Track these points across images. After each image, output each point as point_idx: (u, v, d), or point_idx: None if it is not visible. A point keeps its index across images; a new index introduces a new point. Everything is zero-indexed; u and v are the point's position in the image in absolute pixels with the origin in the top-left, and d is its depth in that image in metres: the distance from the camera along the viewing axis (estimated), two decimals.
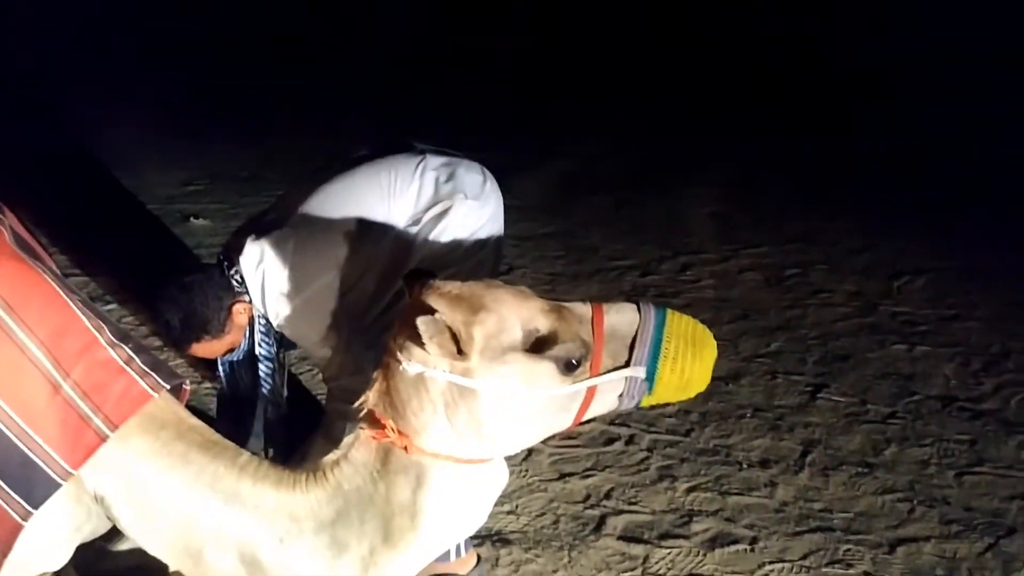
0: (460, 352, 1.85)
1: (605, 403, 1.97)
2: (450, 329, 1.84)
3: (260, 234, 2.81)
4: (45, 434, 2.00)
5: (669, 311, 1.97)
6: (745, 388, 4.17)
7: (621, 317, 1.94)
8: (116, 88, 8.54)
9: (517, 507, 3.25)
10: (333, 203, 2.83)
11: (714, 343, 2.01)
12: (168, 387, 2.16)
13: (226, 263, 2.84)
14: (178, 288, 2.79)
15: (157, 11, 11.24)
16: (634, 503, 3.33)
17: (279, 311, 2.81)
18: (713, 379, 2.03)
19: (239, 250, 2.81)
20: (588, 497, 3.34)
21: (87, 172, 6.34)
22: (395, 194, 2.86)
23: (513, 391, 1.87)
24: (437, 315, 1.84)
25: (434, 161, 2.94)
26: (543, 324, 1.89)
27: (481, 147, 3.18)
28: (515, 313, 1.89)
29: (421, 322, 1.81)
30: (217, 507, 2.07)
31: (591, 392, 1.92)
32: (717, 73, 10.27)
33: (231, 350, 2.95)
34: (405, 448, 1.96)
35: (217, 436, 2.20)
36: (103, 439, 2.03)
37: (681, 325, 1.97)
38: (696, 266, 5.60)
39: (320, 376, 3.83)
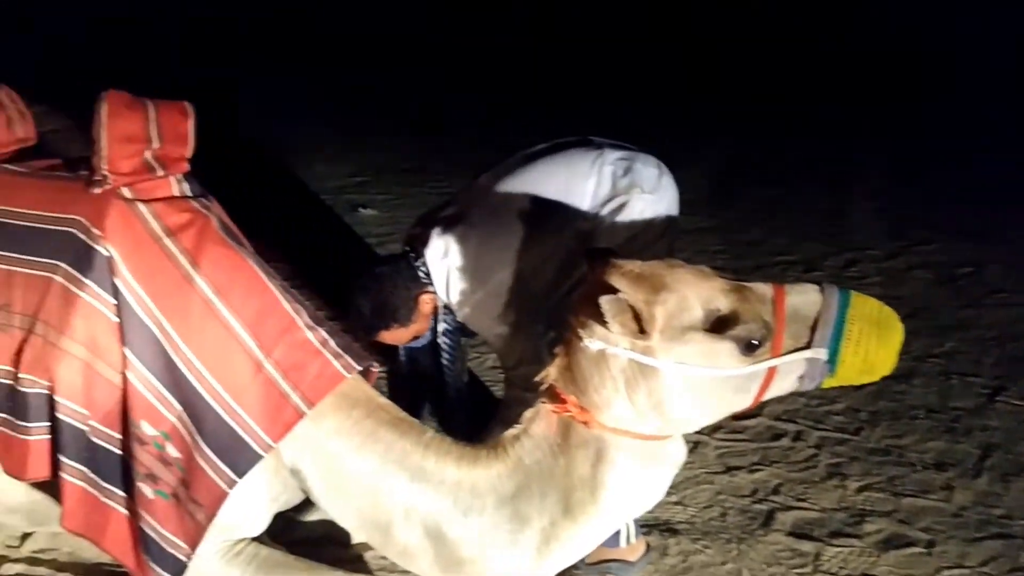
0: (641, 331, 1.88)
1: (785, 384, 1.97)
2: (632, 308, 1.87)
3: (444, 228, 2.91)
4: (249, 409, 2.14)
5: (853, 293, 1.95)
6: (917, 388, 4.04)
7: (803, 298, 1.93)
8: (286, 85, 8.91)
9: (684, 498, 3.24)
10: (513, 197, 2.90)
11: (901, 327, 1.96)
12: (359, 368, 2.27)
13: (412, 255, 2.94)
14: (370, 278, 2.91)
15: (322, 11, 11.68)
16: (803, 499, 3.27)
17: (462, 302, 2.89)
18: (883, 378, 1.99)
19: (425, 242, 2.91)
20: (755, 491, 3.31)
21: (264, 163, 6.64)
22: (573, 188, 2.90)
23: (693, 370, 1.89)
24: (620, 294, 1.87)
25: (611, 155, 2.97)
26: (724, 304, 1.90)
27: (639, 142, 3.18)
28: (696, 292, 1.90)
29: (604, 301, 1.85)
30: (404, 483, 2.16)
31: (771, 373, 1.92)
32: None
33: (415, 337, 3.05)
34: (586, 423, 2.01)
35: (403, 414, 2.30)
36: (301, 415, 2.15)
37: (866, 307, 1.93)
38: (862, 262, 5.45)
39: (487, 362, 3.94)
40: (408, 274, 2.90)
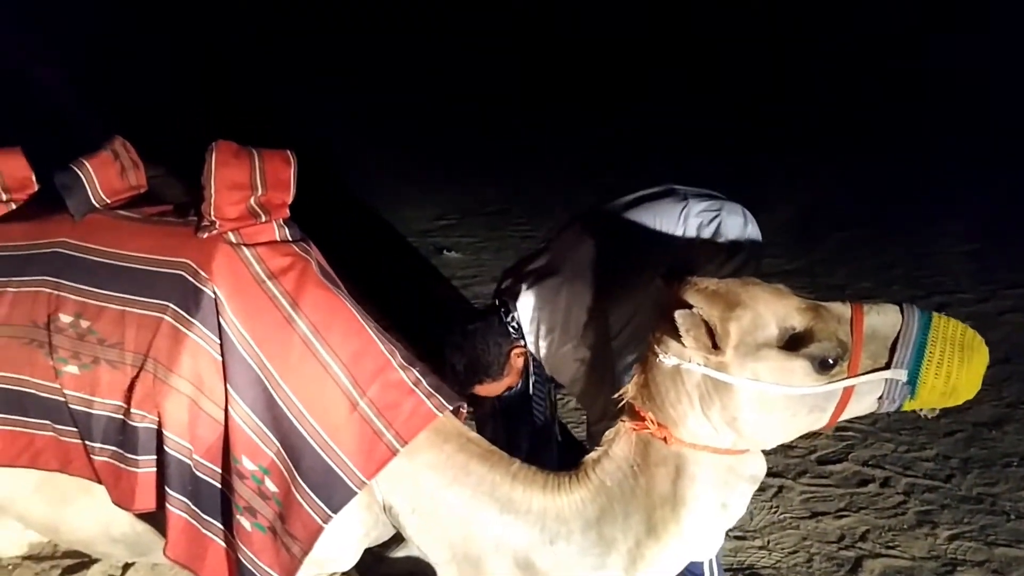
0: (715, 346, 1.92)
1: (863, 405, 1.97)
2: (706, 323, 1.90)
3: (534, 281, 2.98)
4: (344, 446, 2.21)
5: (935, 314, 1.94)
6: (1010, 436, 3.94)
7: (883, 318, 1.94)
8: (374, 128, 9.11)
9: (769, 543, 3.22)
10: (601, 250, 2.95)
11: (986, 350, 1.95)
12: (451, 408, 2.33)
13: (503, 309, 3.02)
14: (462, 336, 2.99)
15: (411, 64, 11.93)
16: (892, 547, 3.22)
17: (551, 354, 2.96)
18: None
19: (515, 296, 2.98)
20: (842, 538, 3.27)
21: (351, 206, 6.80)
22: (661, 240, 2.94)
23: (767, 387, 1.91)
24: (694, 309, 1.91)
25: (696, 206, 3.01)
26: (799, 322, 1.92)
27: (721, 185, 3.22)
28: (771, 310, 1.93)
29: (679, 315, 1.89)
30: (495, 515, 2.21)
31: (848, 393, 1.93)
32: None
33: (508, 389, 3.12)
34: (665, 439, 2.04)
35: (492, 446, 2.35)
36: (394, 453, 2.21)
37: (948, 329, 1.93)
38: (951, 306, 5.35)
39: (571, 403, 3.97)
40: (500, 330, 2.97)
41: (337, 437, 2.21)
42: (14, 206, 2.54)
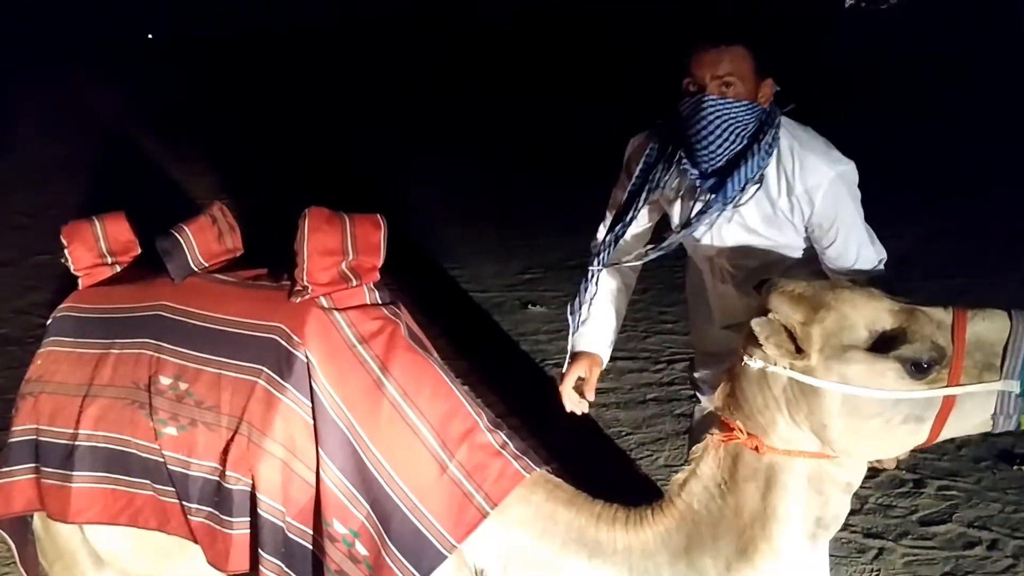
0: (798, 350, 1.87)
1: (973, 421, 1.87)
2: (786, 328, 1.86)
3: None
4: (433, 509, 2.22)
5: None
6: None
7: (989, 325, 1.83)
8: (457, 182, 9.23)
9: None
10: None
11: None
12: (538, 470, 2.32)
13: None
14: None
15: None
16: None
17: None
18: None
19: None
20: None
21: (434, 261, 6.88)
22: None
23: (855, 391, 1.84)
24: (771, 315, 1.88)
25: None
26: (889, 323, 1.85)
27: None
28: (858, 312, 1.87)
29: (755, 323, 1.87)
30: (584, 562, 2.19)
31: (948, 403, 1.82)
32: None
33: None
34: (756, 448, 1.98)
35: (576, 490, 2.33)
36: (484, 515, 2.21)
37: None
38: None
39: None
40: None
41: (427, 500, 2.22)
42: (118, 268, 2.64)
